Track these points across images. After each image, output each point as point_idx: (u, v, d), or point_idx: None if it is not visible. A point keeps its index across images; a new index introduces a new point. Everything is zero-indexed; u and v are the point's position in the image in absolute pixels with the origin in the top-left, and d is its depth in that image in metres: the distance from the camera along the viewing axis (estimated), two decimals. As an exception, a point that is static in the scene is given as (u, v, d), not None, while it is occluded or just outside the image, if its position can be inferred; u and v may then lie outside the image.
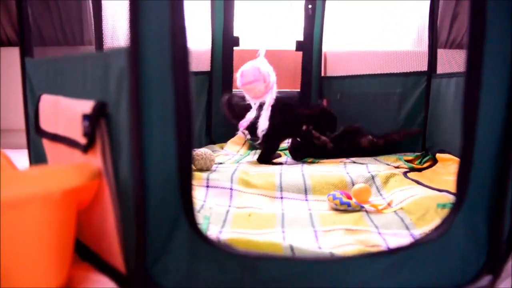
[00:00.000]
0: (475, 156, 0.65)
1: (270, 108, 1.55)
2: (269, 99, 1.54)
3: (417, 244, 0.67)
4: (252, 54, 2.16)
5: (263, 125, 1.55)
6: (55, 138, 0.80)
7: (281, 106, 1.64)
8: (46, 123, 0.86)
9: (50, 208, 0.57)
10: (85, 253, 0.76)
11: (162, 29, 0.55)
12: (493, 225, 0.68)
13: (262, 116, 1.55)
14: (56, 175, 0.59)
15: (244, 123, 1.56)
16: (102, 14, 1.53)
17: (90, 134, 0.64)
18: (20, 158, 1.12)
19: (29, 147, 1.11)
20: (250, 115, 1.56)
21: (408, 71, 1.78)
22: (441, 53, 1.76)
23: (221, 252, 0.62)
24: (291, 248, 0.79)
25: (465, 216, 0.67)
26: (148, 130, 0.55)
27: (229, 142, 1.95)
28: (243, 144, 1.93)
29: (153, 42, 0.54)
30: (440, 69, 1.72)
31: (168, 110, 0.56)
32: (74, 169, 0.63)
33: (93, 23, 1.69)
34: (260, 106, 1.57)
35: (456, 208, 0.67)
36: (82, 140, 0.67)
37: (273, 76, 1.55)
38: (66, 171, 0.62)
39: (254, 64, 1.56)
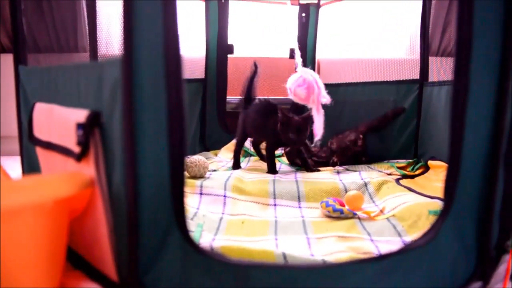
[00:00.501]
0: (463, 163, 0.67)
1: (321, 111, 1.53)
2: (315, 103, 1.53)
3: (406, 250, 0.68)
4: (246, 62, 2.18)
5: (319, 130, 1.52)
6: (49, 146, 0.80)
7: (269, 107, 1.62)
8: (40, 131, 0.86)
9: (42, 218, 0.57)
10: (77, 261, 0.76)
11: (156, 40, 0.56)
12: (482, 232, 0.69)
13: (316, 122, 1.52)
14: (48, 184, 0.60)
15: (319, 131, 1.52)
16: (97, 21, 1.54)
17: (84, 143, 0.64)
18: (17, 165, 1.12)
19: (22, 154, 1.11)
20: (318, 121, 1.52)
21: (401, 79, 1.80)
22: (433, 61, 1.78)
23: (214, 261, 0.62)
24: (284, 255, 0.79)
25: (453, 222, 0.68)
26: (141, 140, 0.56)
27: (223, 149, 1.96)
28: (237, 151, 1.93)
29: (147, 52, 0.55)
30: (433, 77, 1.75)
31: (161, 120, 0.56)
32: (67, 178, 0.63)
33: (87, 30, 1.69)
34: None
35: (444, 214, 0.68)
36: (76, 149, 0.67)
37: (304, 82, 1.54)
38: (59, 181, 0.62)
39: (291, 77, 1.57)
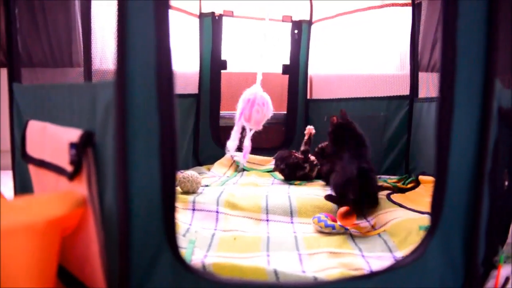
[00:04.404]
0: (449, 181, 0.68)
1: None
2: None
3: (395, 268, 0.69)
4: (239, 77, 2.20)
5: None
6: (41, 164, 0.81)
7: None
8: (33, 149, 0.86)
9: (34, 238, 0.58)
10: (68, 279, 0.76)
11: (148, 62, 0.57)
12: (469, 248, 0.70)
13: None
14: (41, 204, 0.60)
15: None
16: (92, 37, 1.55)
17: (76, 162, 0.65)
18: (9, 180, 1.12)
19: (14, 171, 1.11)
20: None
21: (392, 95, 1.83)
22: (423, 76, 1.82)
23: (204, 280, 0.63)
24: (275, 272, 0.80)
25: (440, 239, 0.70)
26: (133, 160, 0.56)
27: (216, 163, 1.96)
28: (230, 166, 1.94)
29: (140, 74, 0.56)
30: (428, 91, 1.78)
31: (153, 141, 0.57)
32: (59, 198, 0.63)
33: (82, 45, 1.71)
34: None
35: (431, 231, 0.70)
36: (69, 168, 0.68)
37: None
38: (51, 201, 0.62)
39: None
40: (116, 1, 0.53)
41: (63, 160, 0.69)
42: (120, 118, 0.54)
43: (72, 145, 0.65)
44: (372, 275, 0.69)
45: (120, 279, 0.59)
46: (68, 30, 2.25)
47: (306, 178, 1.73)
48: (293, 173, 1.70)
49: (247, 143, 1.50)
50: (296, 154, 1.74)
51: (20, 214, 0.57)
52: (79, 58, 2.30)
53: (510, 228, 1.13)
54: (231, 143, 1.50)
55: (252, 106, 1.52)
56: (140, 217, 0.58)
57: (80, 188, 0.66)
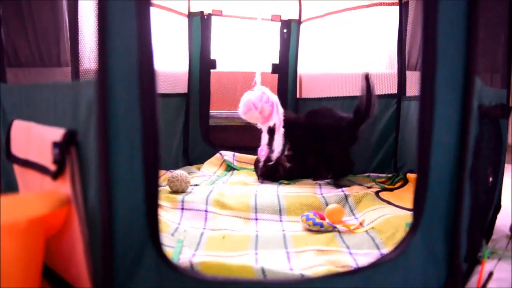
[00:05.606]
0: (431, 178, 0.69)
1: (281, 130, 1.59)
2: (277, 122, 1.58)
3: (379, 264, 0.69)
4: (229, 76, 2.20)
5: (278, 147, 1.57)
6: (26, 164, 0.80)
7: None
8: (18, 149, 0.86)
9: (16, 237, 0.57)
10: (54, 279, 0.76)
11: (130, 61, 0.57)
12: (450, 245, 0.71)
13: (276, 139, 1.57)
14: (22, 204, 0.60)
15: (262, 151, 1.58)
16: (79, 36, 1.54)
17: (59, 161, 0.65)
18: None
19: (-1, 172, 1.10)
20: (263, 141, 1.58)
21: (380, 94, 1.84)
22: (412, 75, 1.83)
23: (188, 278, 0.63)
24: (263, 270, 0.80)
25: (423, 236, 0.70)
26: (115, 159, 0.56)
27: (206, 163, 1.96)
28: (220, 165, 1.94)
29: (121, 73, 0.56)
30: (415, 90, 1.80)
31: (136, 140, 0.57)
32: (42, 197, 0.63)
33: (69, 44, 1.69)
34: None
35: (413, 227, 0.70)
36: (52, 167, 0.67)
37: (269, 100, 1.58)
38: (33, 200, 0.62)
39: (249, 93, 1.61)
40: (97, 0, 0.53)
41: (47, 160, 0.68)
42: (102, 117, 0.54)
43: (55, 144, 0.65)
44: (356, 271, 0.70)
45: (104, 277, 0.59)
46: (56, 29, 2.23)
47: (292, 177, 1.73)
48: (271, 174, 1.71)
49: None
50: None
51: (2, 213, 0.57)
52: (67, 58, 2.28)
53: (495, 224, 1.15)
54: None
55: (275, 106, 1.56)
56: (123, 216, 0.58)
57: (64, 187, 0.66)
